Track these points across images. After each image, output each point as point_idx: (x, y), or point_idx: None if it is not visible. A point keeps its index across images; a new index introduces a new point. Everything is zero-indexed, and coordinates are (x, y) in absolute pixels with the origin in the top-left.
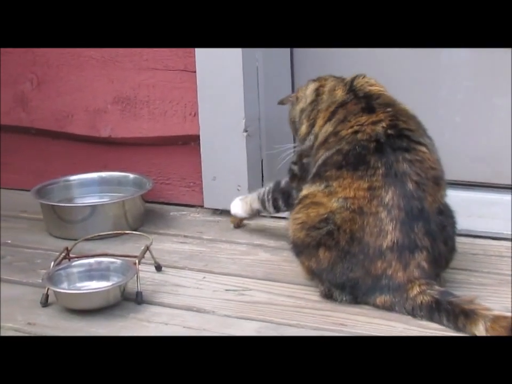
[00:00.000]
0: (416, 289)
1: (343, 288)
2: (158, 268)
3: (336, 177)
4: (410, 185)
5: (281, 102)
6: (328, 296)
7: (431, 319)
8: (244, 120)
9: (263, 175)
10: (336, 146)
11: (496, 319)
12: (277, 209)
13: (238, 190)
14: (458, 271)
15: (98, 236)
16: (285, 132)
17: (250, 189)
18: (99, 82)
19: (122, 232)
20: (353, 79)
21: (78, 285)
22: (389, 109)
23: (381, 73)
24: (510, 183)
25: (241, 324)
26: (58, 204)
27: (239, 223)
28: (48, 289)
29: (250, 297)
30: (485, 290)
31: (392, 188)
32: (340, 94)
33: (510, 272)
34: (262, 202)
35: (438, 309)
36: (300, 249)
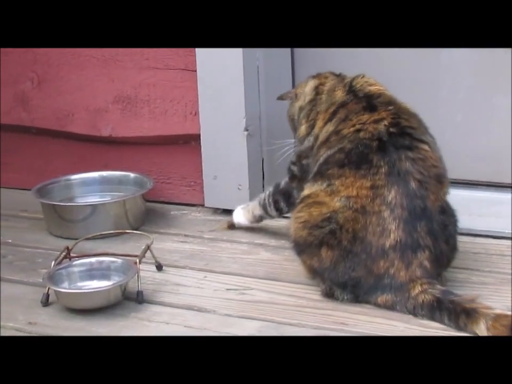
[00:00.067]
0: (417, 288)
1: (345, 287)
2: (159, 267)
3: (339, 176)
4: (413, 184)
5: (281, 98)
6: (329, 295)
7: (432, 318)
8: (244, 119)
9: (264, 174)
10: (338, 145)
11: (498, 317)
12: (279, 211)
13: (238, 189)
14: (459, 270)
15: (99, 235)
16: (286, 130)
17: (251, 188)
18: (100, 81)
19: (123, 231)
20: (352, 80)
21: (79, 284)
22: (390, 107)
23: (381, 73)
24: (510, 182)
25: (242, 323)
26: (59, 203)
27: (234, 225)
28: (49, 288)
29: (251, 296)
30: (486, 289)
31: (395, 186)
32: (339, 94)
33: (510, 271)
34: (264, 207)
35: (439, 308)
36: (302, 248)
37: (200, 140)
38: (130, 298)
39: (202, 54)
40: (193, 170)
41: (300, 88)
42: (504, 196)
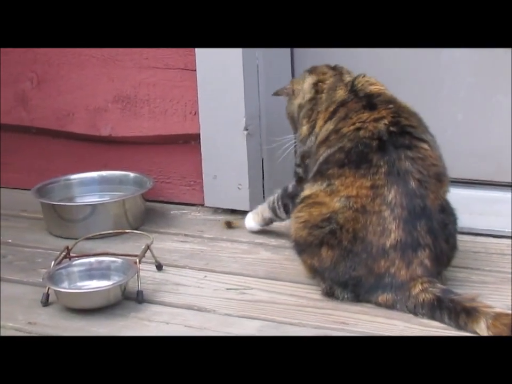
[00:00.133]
0: (418, 287)
1: (345, 287)
2: (159, 267)
3: (338, 176)
4: (412, 183)
5: (276, 93)
6: (329, 294)
7: (432, 317)
8: (244, 119)
9: (264, 173)
10: (338, 144)
11: (498, 316)
12: (289, 213)
13: (238, 188)
14: (459, 269)
15: (99, 235)
16: (285, 129)
17: (251, 187)
18: (99, 81)
19: (122, 231)
20: (354, 79)
21: (79, 284)
22: (390, 106)
23: (382, 72)
24: (510, 180)
25: (242, 322)
26: (58, 203)
27: (230, 224)
28: (48, 288)
29: (251, 296)
30: (486, 288)
31: (395, 186)
32: (340, 93)
33: (510, 270)
34: (273, 210)
35: (440, 307)
36: (302, 247)
37: (200, 139)
38: (130, 298)
39: (202, 54)
40: (193, 169)
41: (296, 84)
42: (505, 195)
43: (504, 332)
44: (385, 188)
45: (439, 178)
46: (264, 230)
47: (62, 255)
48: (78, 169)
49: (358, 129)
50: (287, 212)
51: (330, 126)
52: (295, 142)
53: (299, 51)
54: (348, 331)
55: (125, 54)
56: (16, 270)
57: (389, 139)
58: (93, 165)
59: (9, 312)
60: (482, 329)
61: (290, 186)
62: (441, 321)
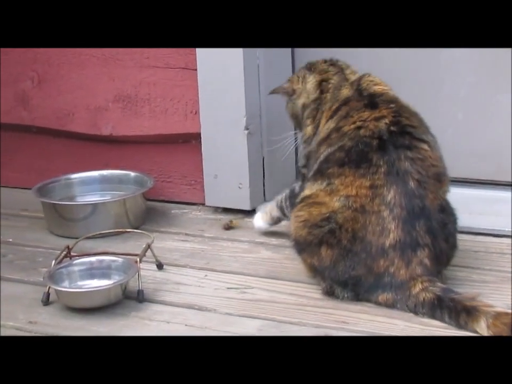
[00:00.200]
0: (418, 287)
1: (345, 286)
2: (160, 266)
3: (338, 175)
4: (411, 184)
5: (274, 92)
6: (330, 293)
7: (433, 316)
8: (245, 118)
9: (264, 172)
10: (338, 142)
11: (498, 315)
12: None
13: (239, 187)
14: (459, 269)
15: (100, 234)
16: (286, 129)
17: (252, 186)
18: (100, 80)
19: (123, 230)
20: (360, 79)
21: (79, 283)
22: (392, 105)
23: (382, 71)
24: (511, 180)
25: (243, 322)
26: (59, 202)
27: (229, 225)
28: (49, 287)
29: (252, 295)
30: (486, 288)
31: (394, 186)
32: (345, 92)
33: (511, 269)
34: (281, 209)
35: (440, 306)
36: (302, 246)
37: (200, 138)
38: (131, 297)
39: (203, 53)
40: (194, 169)
41: (296, 83)
42: (505, 194)
43: (504, 331)
44: (385, 188)
45: (439, 179)
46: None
47: (63, 254)
48: (79, 168)
49: (359, 128)
50: None
51: (331, 124)
52: (295, 140)
53: (299, 51)
54: (348, 330)
55: (125, 53)
56: (16, 269)
57: (389, 138)
58: (94, 164)
59: (10, 311)
60: (482, 328)
61: (297, 187)
62: (442, 320)
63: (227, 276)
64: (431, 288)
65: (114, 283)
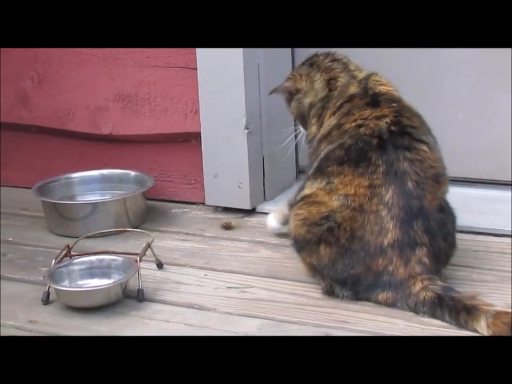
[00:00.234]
0: (418, 285)
1: (344, 284)
2: (159, 266)
3: (338, 174)
4: (409, 184)
5: (275, 91)
6: (329, 292)
7: (433, 315)
8: (245, 117)
9: (264, 171)
10: (338, 140)
11: (498, 315)
12: None
13: (239, 187)
14: (460, 268)
15: (100, 233)
16: (286, 128)
17: (252, 185)
18: (100, 79)
19: (123, 229)
20: (368, 77)
21: (79, 282)
22: (393, 104)
23: (382, 72)
24: (511, 180)
25: (243, 321)
26: (59, 202)
27: (228, 225)
28: (49, 286)
29: (252, 294)
30: (486, 287)
31: (392, 186)
32: (352, 89)
33: (511, 269)
34: (292, 207)
35: (441, 304)
36: (301, 245)
37: (200, 138)
38: (131, 297)
39: (203, 52)
40: (194, 168)
41: (300, 81)
42: (505, 194)
43: (504, 331)
44: (383, 188)
45: (437, 180)
46: (265, 228)
47: (63, 254)
48: (79, 167)
49: (359, 126)
50: None
51: (333, 120)
52: (296, 136)
53: (299, 50)
54: (348, 330)
55: (125, 52)
56: (16, 269)
57: (389, 138)
58: (94, 163)
59: (10, 311)
60: (482, 327)
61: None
62: (442, 319)
63: (227, 275)
64: (431, 286)
65: (114, 282)
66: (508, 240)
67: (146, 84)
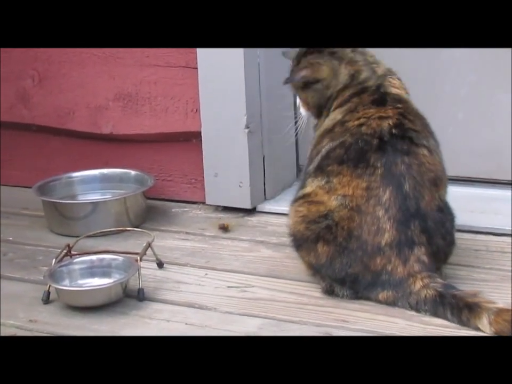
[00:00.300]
0: (419, 283)
1: (344, 284)
2: (160, 265)
3: (337, 174)
4: (407, 187)
5: (290, 81)
6: (329, 292)
7: (435, 313)
8: (245, 117)
9: (265, 171)
10: (340, 138)
11: (500, 312)
12: None
13: (239, 186)
14: (460, 267)
15: (100, 232)
16: (287, 128)
17: (252, 185)
18: (100, 79)
19: (124, 229)
20: (385, 76)
21: (80, 282)
22: (399, 105)
23: None
24: (511, 179)
25: (243, 320)
26: (59, 201)
27: (224, 226)
28: (49, 286)
29: (252, 293)
30: (486, 286)
31: (390, 188)
32: (369, 84)
33: (511, 268)
34: (293, 202)
35: (442, 302)
36: (300, 242)
37: (201, 137)
38: (131, 296)
39: (203, 52)
40: (194, 167)
41: (320, 71)
42: (505, 193)
43: (506, 328)
44: (380, 189)
45: (435, 183)
46: (265, 228)
47: (63, 253)
48: (79, 167)
49: (362, 124)
50: None
51: (338, 115)
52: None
53: None
54: (348, 329)
55: (125, 52)
56: (17, 268)
57: (390, 140)
58: (94, 162)
59: (10, 310)
60: (484, 325)
61: None
62: (444, 317)
63: (227, 274)
64: (432, 284)
65: (114, 282)
66: (508, 239)
67: (147, 83)
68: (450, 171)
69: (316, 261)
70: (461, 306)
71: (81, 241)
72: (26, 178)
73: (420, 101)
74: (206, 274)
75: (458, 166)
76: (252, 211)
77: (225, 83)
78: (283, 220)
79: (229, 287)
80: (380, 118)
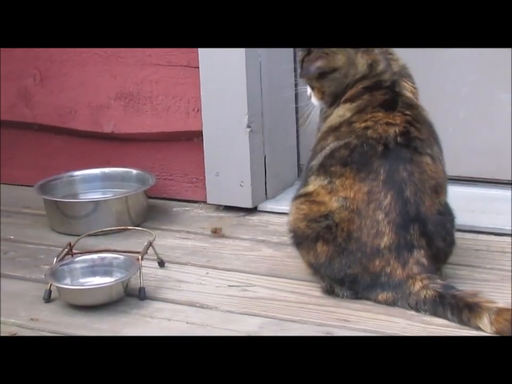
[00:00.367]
0: (418, 284)
1: (343, 284)
2: (161, 264)
3: (340, 175)
4: (408, 193)
5: (308, 73)
6: (329, 292)
7: (435, 313)
8: (246, 116)
9: (266, 170)
10: (345, 138)
11: (500, 312)
12: None
13: (241, 185)
14: (461, 267)
15: (101, 231)
16: (288, 127)
17: (253, 184)
18: (102, 78)
19: (125, 228)
20: (401, 74)
21: (81, 280)
22: (408, 112)
23: None
24: (511, 179)
25: (244, 319)
26: (61, 200)
27: (217, 231)
28: (51, 285)
29: (253, 293)
30: (487, 286)
31: (391, 193)
32: (385, 77)
33: (511, 268)
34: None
35: (442, 303)
36: (300, 240)
37: (202, 136)
38: (133, 295)
39: (205, 51)
40: (196, 166)
41: (335, 60)
42: (506, 193)
43: (507, 327)
44: (382, 194)
45: (436, 190)
46: (266, 227)
47: (65, 252)
48: (81, 166)
49: (368, 127)
50: None
51: (347, 113)
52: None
53: None
54: (349, 328)
55: (127, 51)
56: (18, 267)
57: (394, 148)
58: (95, 161)
59: (12, 309)
60: (485, 324)
61: None
62: (444, 317)
63: (228, 273)
64: (431, 285)
65: (116, 280)
66: (508, 239)
67: (148, 82)
68: (451, 171)
69: (315, 260)
70: (461, 306)
71: (83, 240)
72: (27, 177)
73: (420, 100)
74: (207, 273)
75: (459, 166)
76: (253, 210)
77: (227, 82)
78: (284, 219)
79: (230, 286)
80: (387, 124)
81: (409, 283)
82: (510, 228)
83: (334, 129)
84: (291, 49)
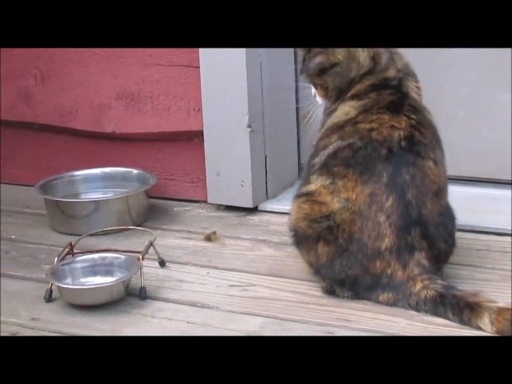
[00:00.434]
0: (419, 285)
1: (343, 285)
2: (162, 263)
3: (342, 176)
4: (410, 196)
5: (307, 70)
6: (330, 292)
7: (435, 313)
8: (247, 116)
9: (267, 170)
10: (349, 139)
11: (501, 311)
12: None
13: (241, 185)
14: (462, 267)
15: (102, 231)
16: (289, 126)
17: (254, 184)
18: (103, 77)
19: (126, 227)
20: (405, 73)
21: (82, 280)
22: (413, 116)
23: None
24: (511, 178)
25: (245, 319)
26: (62, 199)
27: (209, 236)
28: (52, 284)
29: (254, 292)
30: (488, 286)
31: (393, 196)
32: (390, 74)
33: (511, 268)
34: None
35: (443, 302)
36: (300, 239)
37: (203, 136)
38: (133, 295)
39: (206, 51)
40: (196, 166)
41: (335, 55)
42: (507, 193)
43: (507, 327)
44: (384, 197)
45: (437, 194)
46: (267, 227)
47: (65, 251)
48: (81, 165)
49: (373, 129)
50: None
51: (352, 111)
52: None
53: None
54: (350, 328)
55: (128, 51)
56: (19, 266)
57: (398, 152)
58: (96, 161)
59: (12, 308)
60: (486, 324)
61: None
62: (445, 317)
63: (229, 273)
64: (432, 285)
65: (116, 280)
66: (509, 239)
67: (149, 82)
68: (451, 171)
69: (316, 260)
70: (462, 306)
71: (83, 240)
72: (28, 177)
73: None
74: (208, 273)
75: (459, 166)
76: (253, 210)
77: (228, 82)
78: (285, 219)
79: (230, 285)
80: (392, 127)
81: (410, 284)
82: (511, 228)
83: (339, 127)
84: (292, 50)
